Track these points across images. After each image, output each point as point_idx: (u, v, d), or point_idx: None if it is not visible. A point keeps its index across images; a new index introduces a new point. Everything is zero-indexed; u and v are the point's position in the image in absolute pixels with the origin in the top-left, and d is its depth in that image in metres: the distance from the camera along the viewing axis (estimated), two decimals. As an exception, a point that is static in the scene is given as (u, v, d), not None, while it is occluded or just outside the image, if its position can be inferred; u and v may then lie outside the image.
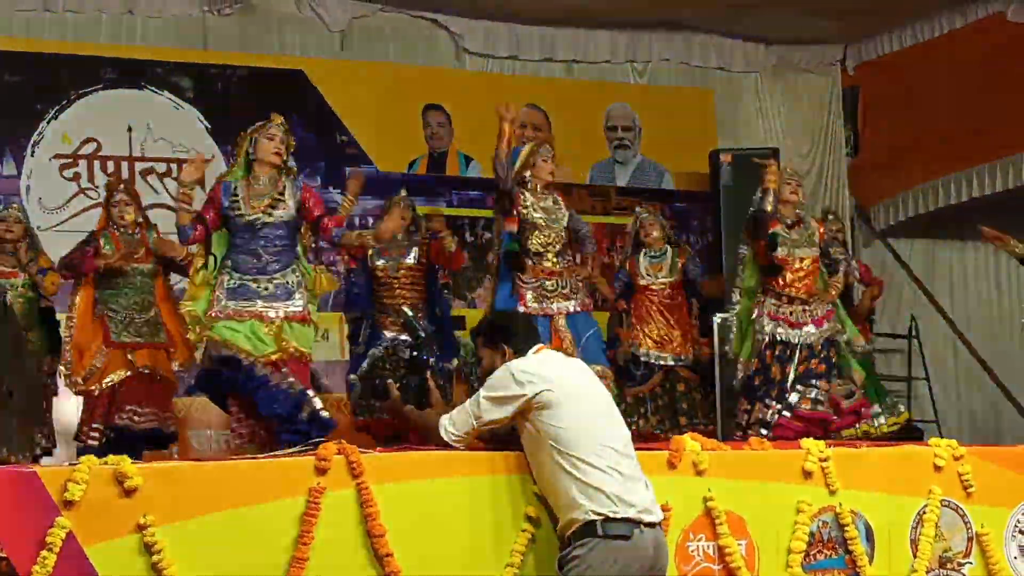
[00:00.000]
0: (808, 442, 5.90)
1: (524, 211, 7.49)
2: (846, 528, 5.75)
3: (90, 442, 7.35)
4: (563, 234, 7.61)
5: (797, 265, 7.75)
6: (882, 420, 8.75)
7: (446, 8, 11.67)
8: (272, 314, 6.40)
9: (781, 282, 7.74)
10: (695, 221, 12.33)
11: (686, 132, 12.42)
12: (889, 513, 5.88)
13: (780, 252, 7.69)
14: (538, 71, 12.26)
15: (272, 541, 4.77)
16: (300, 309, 6.47)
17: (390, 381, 5.39)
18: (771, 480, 5.71)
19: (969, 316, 12.47)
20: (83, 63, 10.51)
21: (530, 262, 7.49)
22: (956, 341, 12.44)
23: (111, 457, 4.78)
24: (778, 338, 7.70)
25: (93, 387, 7.42)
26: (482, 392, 4.95)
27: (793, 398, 7.64)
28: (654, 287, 8.71)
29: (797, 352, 7.68)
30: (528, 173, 7.58)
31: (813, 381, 7.67)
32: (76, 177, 10.21)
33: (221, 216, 6.48)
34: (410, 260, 8.05)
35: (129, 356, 7.54)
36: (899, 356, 12.55)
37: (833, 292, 7.88)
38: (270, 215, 6.45)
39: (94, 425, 7.45)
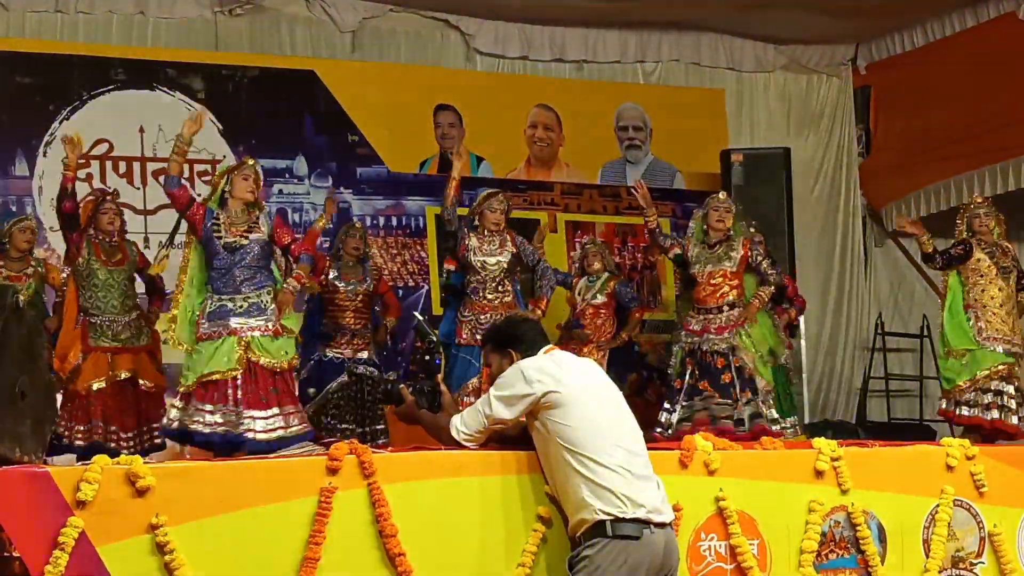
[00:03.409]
0: (820, 441, 5.90)
1: (466, 253, 8.34)
2: (858, 528, 5.75)
3: (77, 442, 7.43)
4: (501, 274, 8.35)
5: (705, 280, 8.44)
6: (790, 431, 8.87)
7: (457, 8, 11.67)
8: (244, 329, 7.00)
9: (698, 295, 8.49)
10: (706, 221, 12.31)
11: (697, 132, 12.40)
12: (901, 513, 5.89)
13: (694, 269, 8.50)
14: (549, 71, 12.25)
15: (284, 541, 4.79)
16: (270, 324, 7.06)
17: (403, 386, 5.39)
18: (783, 480, 5.72)
19: (981, 315, 12.43)
20: (94, 64, 10.52)
21: (469, 298, 8.33)
22: (968, 340, 12.40)
23: (123, 457, 4.80)
24: (687, 348, 8.44)
25: (80, 387, 7.61)
26: (492, 391, 4.95)
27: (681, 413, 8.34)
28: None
29: (705, 358, 8.35)
30: (476, 219, 8.47)
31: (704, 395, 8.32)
32: (88, 178, 10.20)
33: (202, 227, 7.11)
34: (367, 286, 8.87)
35: (109, 361, 7.76)
36: (911, 355, 12.54)
37: (756, 303, 8.47)
38: (246, 239, 7.09)
39: (78, 427, 7.52)
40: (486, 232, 8.40)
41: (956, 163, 11.60)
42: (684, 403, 8.34)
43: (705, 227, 8.61)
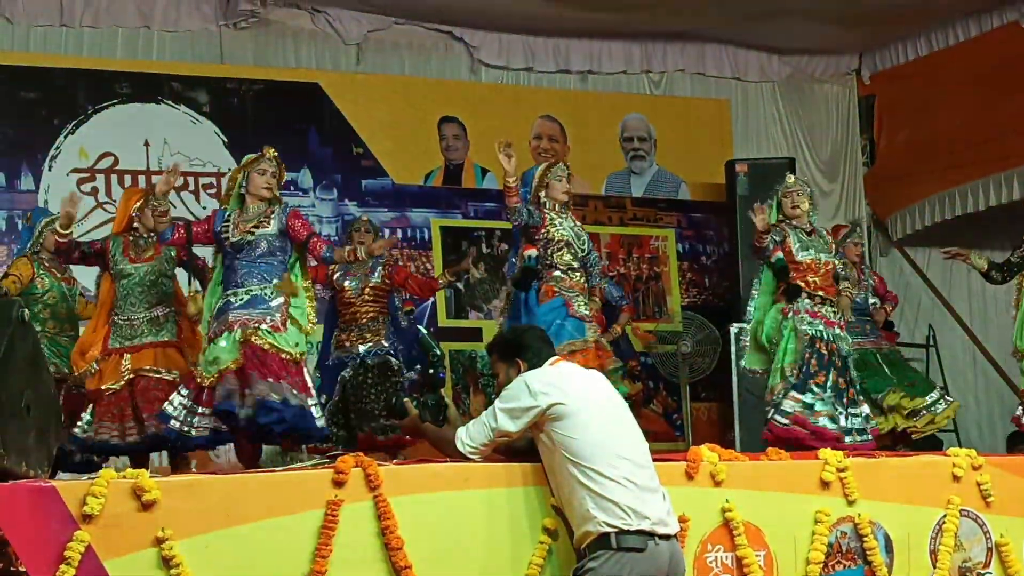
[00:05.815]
0: (826, 452, 5.90)
1: (553, 229, 7.62)
2: (865, 538, 5.74)
3: (113, 439, 7.42)
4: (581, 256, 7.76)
5: (822, 269, 7.77)
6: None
7: (461, 20, 11.69)
8: (241, 322, 6.75)
9: (813, 284, 7.75)
10: (711, 232, 12.32)
11: (702, 142, 12.42)
12: (908, 523, 5.88)
13: (805, 257, 7.75)
14: (553, 82, 12.26)
15: (290, 554, 4.78)
16: (274, 316, 6.79)
17: (407, 399, 5.41)
18: (789, 490, 5.71)
19: (987, 325, 12.42)
20: (100, 78, 10.54)
21: (560, 275, 7.58)
22: (974, 350, 12.40)
23: (129, 471, 4.80)
24: (818, 335, 7.65)
25: (95, 387, 7.51)
26: (498, 404, 4.96)
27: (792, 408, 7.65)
28: None
29: (836, 355, 7.70)
30: (543, 193, 7.75)
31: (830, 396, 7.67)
32: (94, 191, 10.24)
33: (213, 235, 6.92)
34: (375, 280, 8.46)
35: (124, 362, 7.54)
36: (917, 365, 12.50)
37: (847, 297, 8.09)
38: (252, 234, 6.85)
39: (106, 424, 7.52)
40: (557, 207, 7.73)
41: (960, 172, 11.61)
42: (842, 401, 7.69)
43: (781, 218, 7.97)
